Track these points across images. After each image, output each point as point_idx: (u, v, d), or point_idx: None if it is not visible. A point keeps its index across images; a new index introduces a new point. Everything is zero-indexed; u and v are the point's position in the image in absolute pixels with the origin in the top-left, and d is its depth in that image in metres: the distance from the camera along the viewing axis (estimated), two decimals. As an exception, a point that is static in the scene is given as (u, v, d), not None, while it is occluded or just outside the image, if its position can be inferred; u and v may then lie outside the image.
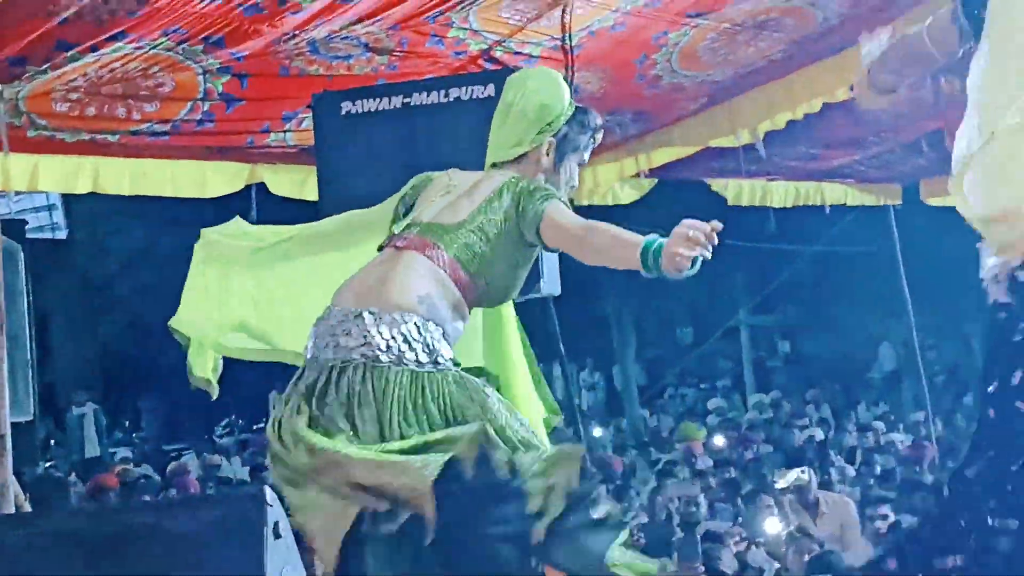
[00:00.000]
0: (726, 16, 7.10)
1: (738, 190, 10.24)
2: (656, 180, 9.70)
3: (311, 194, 7.06)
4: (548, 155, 3.67)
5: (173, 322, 4.47)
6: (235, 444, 17.68)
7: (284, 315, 4.28)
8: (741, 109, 8.56)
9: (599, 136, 3.81)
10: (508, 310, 4.28)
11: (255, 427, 19.79)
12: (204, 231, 4.48)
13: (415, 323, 3.34)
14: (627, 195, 9.72)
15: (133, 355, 21.16)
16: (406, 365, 3.29)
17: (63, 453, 16.83)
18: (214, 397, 4.43)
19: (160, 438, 18.92)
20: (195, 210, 8.33)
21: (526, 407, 4.03)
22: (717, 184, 10.19)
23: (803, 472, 8.68)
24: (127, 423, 20.58)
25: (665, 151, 9.01)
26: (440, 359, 3.36)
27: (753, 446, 12.47)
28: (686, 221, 3.03)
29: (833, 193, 11.17)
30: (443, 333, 3.40)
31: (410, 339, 3.33)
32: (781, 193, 10.59)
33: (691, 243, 2.99)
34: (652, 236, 3.14)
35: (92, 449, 15.99)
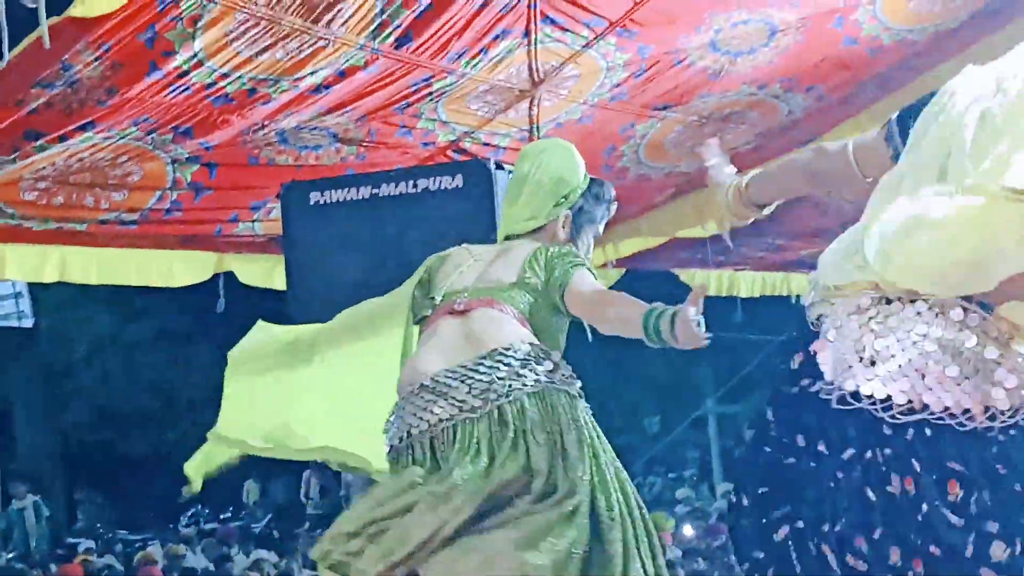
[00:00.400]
0: (692, 108, 7.18)
1: (705, 279, 10.28)
2: (624, 270, 9.74)
3: (279, 283, 7.04)
4: (564, 228, 3.65)
5: (216, 432, 4.25)
6: (199, 535, 17.46)
7: (317, 410, 4.09)
8: (708, 200, 8.62)
9: (613, 208, 3.80)
10: None
11: (221, 517, 19.59)
12: (231, 353, 4.35)
13: (531, 346, 3.34)
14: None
15: (98, 444, 20.98)
16: (537, 387, 3.27)
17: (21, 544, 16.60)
18: (194, 493, 4.30)
19: (124, 528, 18.67)
20: (162, 299, 8.30)
21: None
22: (685, 274, 10.24)
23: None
24: (91, 513, 20.32)
25: (633, 241, 9.06)
26: (565, 372, 3.36)
27: (721, 536, 12.39)
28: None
29: (799, 283, 11.21)
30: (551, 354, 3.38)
31: (532, 363, 3.30)
32: (748, 283, 10.64)
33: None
34: (655, 305, 3.12)
35: (37, 542, 15.75)
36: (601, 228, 3.78)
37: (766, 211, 3.34)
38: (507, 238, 3.73)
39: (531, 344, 3.34)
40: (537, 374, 3.27)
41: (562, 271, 3.39)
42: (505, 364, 3.27)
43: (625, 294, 3.31)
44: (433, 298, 3.56)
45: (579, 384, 3.38)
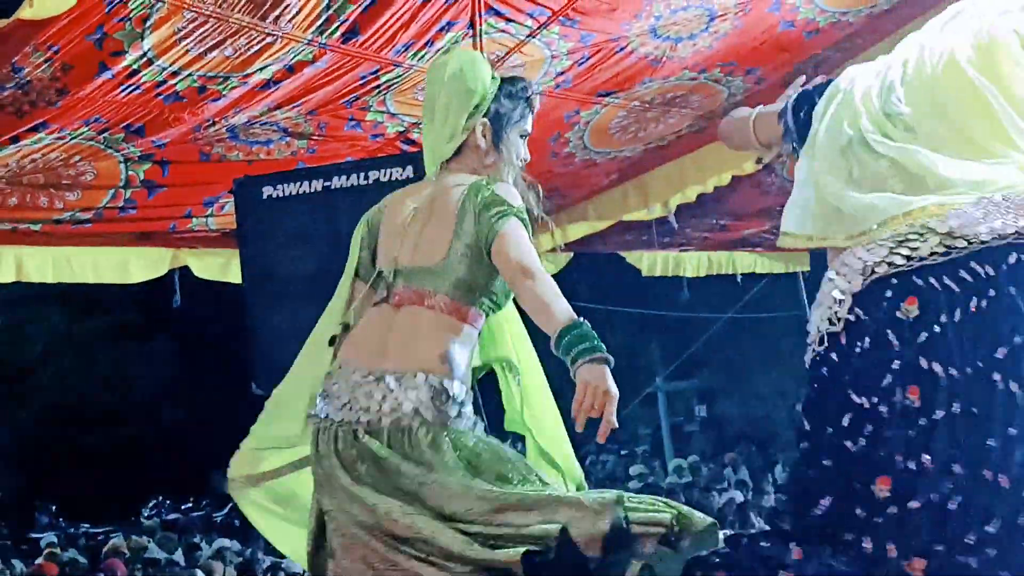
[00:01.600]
0: (635, 94, 7.22)
1: (652, 261, 10.35)
2: (572, 254, 9.77)
3: (235, 277, 7.05)
4: (485, 137, 3.41)
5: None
6: (159, 526, 17.40)
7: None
8: (653, 184, 8.67)
9: (536, 101, 3.54)
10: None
11: (183, 507, 19.53)
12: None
13: (441, 382, 3.20)
14: (545, 269, 9.75)
15: (57, 439, 20.84)
16: (434, 424, 3.17)
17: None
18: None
19: (86, 521, 18.58)
20: (119, 295, 8.27)
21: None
22: (632, 256, 10.29)
23: (726, 534, 8.68)
24: (52, 508, 20.20)
25: (580, 226, 9.09)
26: (464, 414, 3.24)
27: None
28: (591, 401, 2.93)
29: (744, 262, 11.32)
30: (464, 389, 3.25)
31: (437, 399, 3.19)
32: (694, 263, 10.71)
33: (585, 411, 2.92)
34: (572, 325, 2.98)
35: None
36: (528, 126, 3.50)
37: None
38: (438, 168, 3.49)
39: (431, 375, 3.21)
40: (421, 406, 3.19)
41: (488, 225, 3.20)
42: (414, 390, 3.19)
43: (545, 278, 3.14)
44: (380, 270, 3.43)
45: (469, 420, 3.26)
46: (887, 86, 3.03)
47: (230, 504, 16.75)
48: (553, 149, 7.70)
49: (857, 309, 2.96)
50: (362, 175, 5.54)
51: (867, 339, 2.93)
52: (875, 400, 2.85)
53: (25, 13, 4.68)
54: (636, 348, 20.40)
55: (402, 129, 6.96)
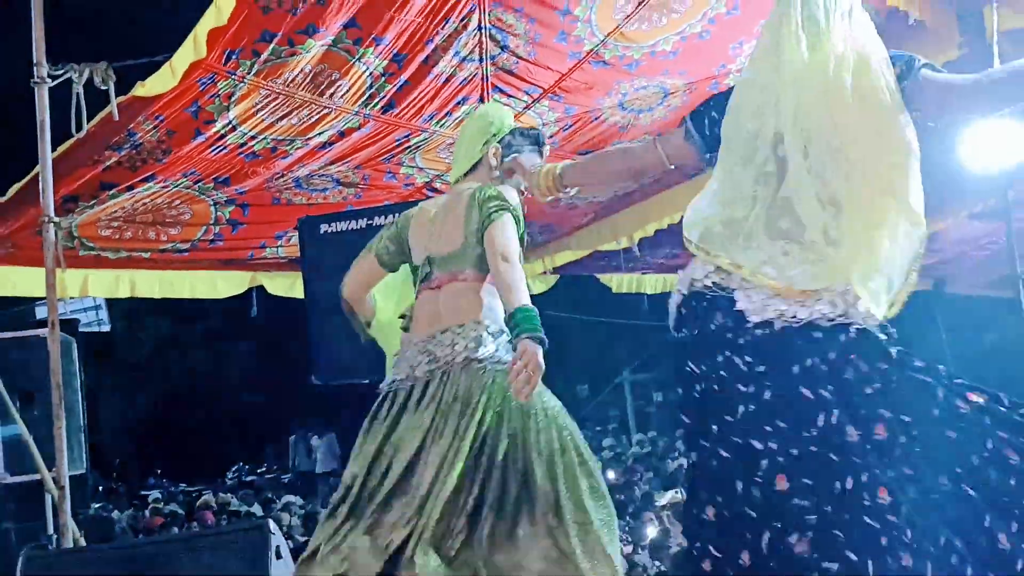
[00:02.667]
0: (607, 153, 7.21)
1: (620, 281, 10.31)
2: (559, 276, 9.76)
3: (298, 293, 7.03)
4: (495, 157, 3.40)
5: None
6: (239, 485, 17.37)
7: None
8: (621, 222, 8.66)
9: (545, 150, 3.51)
10: None
11: (258, 471, 19.48)
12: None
13: (487, 325, 3.17)
14: (537, 288, 9.73)
15: (161, 420, 20.84)
16: (483, 361, 3.11)
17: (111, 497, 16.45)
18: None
19: (183, 482, 18.56)
20: (209, 308, 8.26)
21: None
22: (604, 277, 10.26)
23: (677, 492, 8.66)
24: (158, 472, 20.17)
25: (564, 254, 9.08)
26: (504, 357, 3.14)
27: (637, 474, 12.44)
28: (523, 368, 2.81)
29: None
30: (500, 326, 3.17)
31: (486, 337, 3.15)
32: (652, 283, 10.66)
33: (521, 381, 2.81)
34: (527, 308, 2.92)
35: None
36: (537, 160, 3.43)
37: (571, 191, 3.19)
38: (456, 183, 3.49)
39: (477, 323, 3.18)
40: (474, 351, 3.12)
41: (486, 214, 3.17)
42: (459, 336, 3.16)
43: (520, 276, 3.05)
44: (415, 264, 3.40)
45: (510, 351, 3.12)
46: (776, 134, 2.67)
47: (299, 468, 16.75)
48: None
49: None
50: (396, 215, 5.51)
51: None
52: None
53: (138, 91, 4.69)
54: (607, 349, 20.40)
55: (428, 180, 6.95)
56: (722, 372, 2.56)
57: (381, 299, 3.65)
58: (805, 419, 2.47)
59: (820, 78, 2.58)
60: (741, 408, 2.51)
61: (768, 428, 2.48)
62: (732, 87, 2.81)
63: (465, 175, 3.45)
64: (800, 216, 2.56)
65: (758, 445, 2.47)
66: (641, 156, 2.97)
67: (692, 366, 2.65)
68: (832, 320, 2.49)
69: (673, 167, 2.91)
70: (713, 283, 2.63)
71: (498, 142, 3.42)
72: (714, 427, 2.55)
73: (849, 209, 2.54)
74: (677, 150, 2.89)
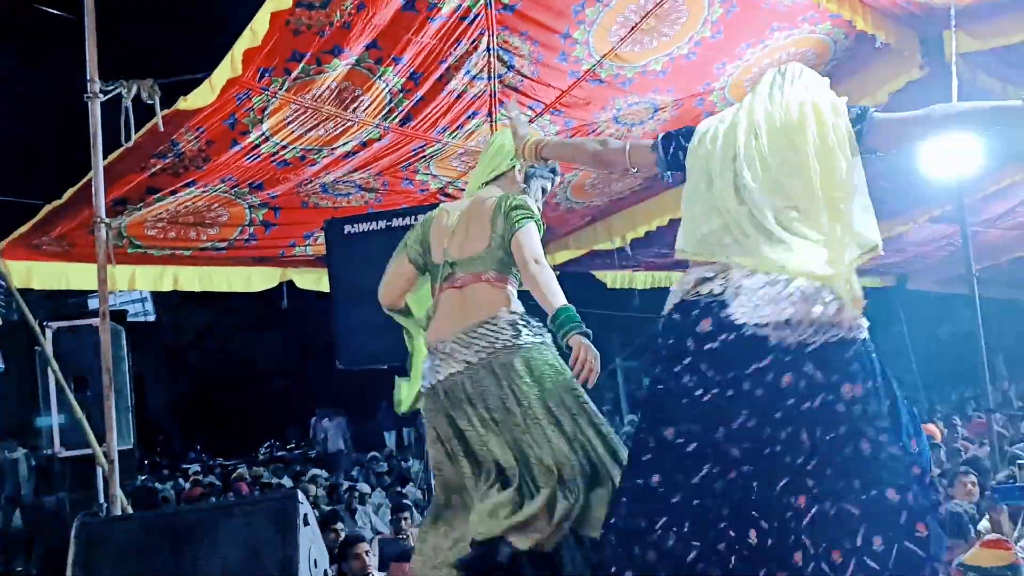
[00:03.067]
0: (602, 162, 7.20)
1: (614, 278, 10.30)
2: (558, 272, 9.71)
3: (325, 287, 7.03)
4: (520, 173, 3.41)
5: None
6: (271, 460, 17.40)
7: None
8: (615, 224, 8.67)
9: (557, 180, 3.57)
10: None
11: (288, 447, 19.50)
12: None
13: (516, 315, 3.18)
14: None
15: (202, 402, 20.86)
16: (524, 345, 3.12)
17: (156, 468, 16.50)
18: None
19: (220, 456, 18.60)
20: (244, 301, 8.27)
21: None
22: (599, 274, 10.26)
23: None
24: (198, 447, 20.19)
25: (564, 252, 9.08)
26: (543, 334, 3.17)
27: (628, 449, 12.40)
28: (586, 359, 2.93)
29: (678, 278, 11.24)
30: (522, 312, 3.21)
31: (516, 324, 3.15)
32: (643, 279, 10.65)
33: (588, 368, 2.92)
34: (567, 311, 2.98)
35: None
36: (548, 185, 3.52)
37: (550, 163, 3.34)
38: (479, 188, 3.46)
39: (510, 313, 3.19)
40: (511, 337, 3.13)
41: (513, 221, 3.16)
42: (491, 330, 3.15)
43: (548, 270, 3.09)
44: (435, 263, 3.33)
45: (543, 336, 3.18)
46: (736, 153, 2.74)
47: (319, 446, 16.77)
48: (545, 200, 7.68)
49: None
50: (413, 217, 5.52)
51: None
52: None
53: (181, 105, 4.70)
54: (602, 338, 20.18)
55: (441, 186, 6.96)
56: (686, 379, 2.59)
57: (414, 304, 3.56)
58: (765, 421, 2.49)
59: (779, 115, 2.69)
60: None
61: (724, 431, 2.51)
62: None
63: (486, 183, 3.44)
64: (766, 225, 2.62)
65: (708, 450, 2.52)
66: (610, 152, 3.08)
67: (669, 370, 2.66)
68: (821, 327, 2.48)
69: (635, 170, 3.05)
70: (708, 291, 2.65)
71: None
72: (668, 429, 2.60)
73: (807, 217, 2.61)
74: (642, 157, 3.01)
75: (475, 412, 3.12)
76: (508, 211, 3.19)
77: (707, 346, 2.57)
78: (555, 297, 3.01)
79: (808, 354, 2.48)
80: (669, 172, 2.99)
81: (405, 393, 3.53)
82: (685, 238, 2.78)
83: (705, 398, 2.54)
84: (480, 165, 3.51)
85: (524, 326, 3.17)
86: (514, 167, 3.40)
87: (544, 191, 3.50)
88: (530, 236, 3.14)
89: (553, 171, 3.52)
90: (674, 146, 2.92)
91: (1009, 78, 6.55)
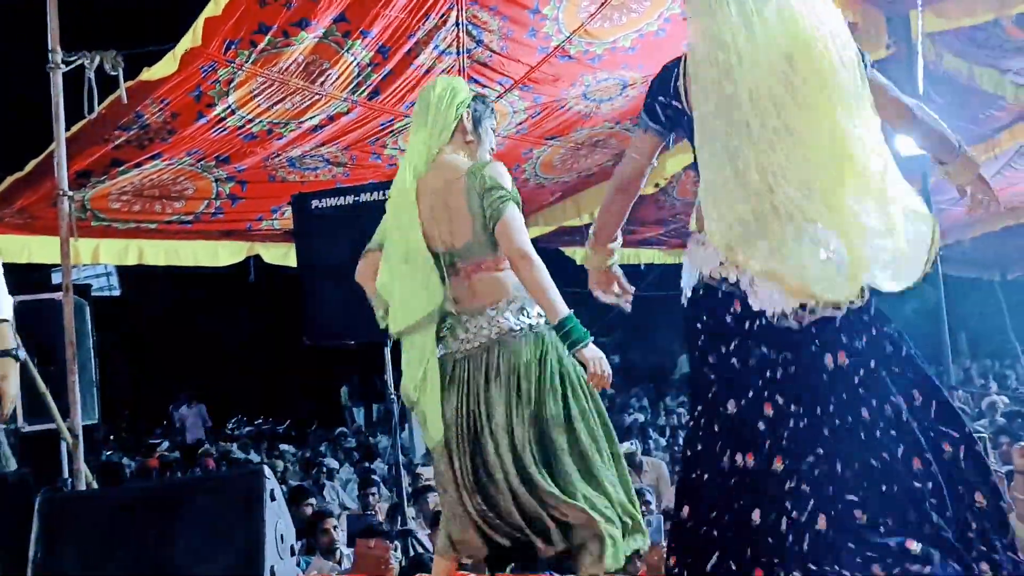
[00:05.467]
0: (571, 138, 7.22)
1: (583, 254, 10.34)
2: (528, 249, 9.75)
3: (292, 262, 7.00)
4: (468, 120, 3.25)
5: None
6: (239, 435, 17.33)
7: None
8: (584, 200, 8.68)
9: (496, 117, 3.45)
10: None
11: (255, 422, 19.43)
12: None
13: (520, 302, 3.19)
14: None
15: (168, 376, 20.72)
16: (529, 331, 3.17)
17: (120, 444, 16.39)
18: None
19: (187, 433, 18.49)
20: (209, 275, 8.22)
21: None
22: (569, 251, 10.29)
23: (632, 444, 8.72)
24: (164, 422, 20.08)
25: (533, 230, 9.06)
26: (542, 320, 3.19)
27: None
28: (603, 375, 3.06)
29: (647, 255, 11.31)
30: (525, 298, 3.20)
31: (520, 312, 3.18)
32: (612, 256, 10.70)
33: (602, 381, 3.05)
34: (569, 318, 3.02)
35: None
36: (493, 123, 3.36)
37: (614, 244, 3.09)
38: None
39: (509, 301, 3.20)
40: (513, 322, 3.17)
41: (494, 208, 3.09)
42: (499, 313, 3.17)
43: (543, 274, 3.05)
44: (436, 250, 3.21)
45: (538, 321, 3.20)
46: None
47: (287, 421, 16.74)
48: (514, 175, 7.66)
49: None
50: (381, 192, 5.50)
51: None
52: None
53: (144, 76, 4.66)
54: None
55: (410, 161, 6.93)
56: (734, 360, 2.54)
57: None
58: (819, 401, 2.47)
59: (803, 50, 2.39)
60: (752, 393, 2.50)
61: (773, 412, 2.48)
62: (664, 70, 2.69)
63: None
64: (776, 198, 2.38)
65: (761, 426, 2.47)
66: (622, 171, 2.86)
67: (707, 353, 2.61)
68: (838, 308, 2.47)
69: (655, 162, 2.82)
70: (723, 277, 2.57)
71: (467, 108, 3.28)
72: (725, 407, 2.54)
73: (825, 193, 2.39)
74: (644, 145, 2.77)
75: (494, 392, 3.16)
76: (483, 193, 3.12)
77: (746, 325, 2.53)
78: (553, 305, 3.03)
79: (835, 328, 2.48)
80: (672, 134, 2.79)
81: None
82: None
83: (757, 370, 2.52)
84: (426, 125, 3.27)
85: (525, 312, 3.20)
86: (462, 116, 3.26)
87: (492, 129, 3.38)
88: (512, 225, 3.09)
89: (483, 101, 3.36)
90: (659, 107, 2.68)
91: (974, 58, 6.61)
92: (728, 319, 2.56)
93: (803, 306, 2.46)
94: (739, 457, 2.48)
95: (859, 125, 2.38)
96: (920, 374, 2.53)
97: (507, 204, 3.10)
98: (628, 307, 3.13)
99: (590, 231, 3.04)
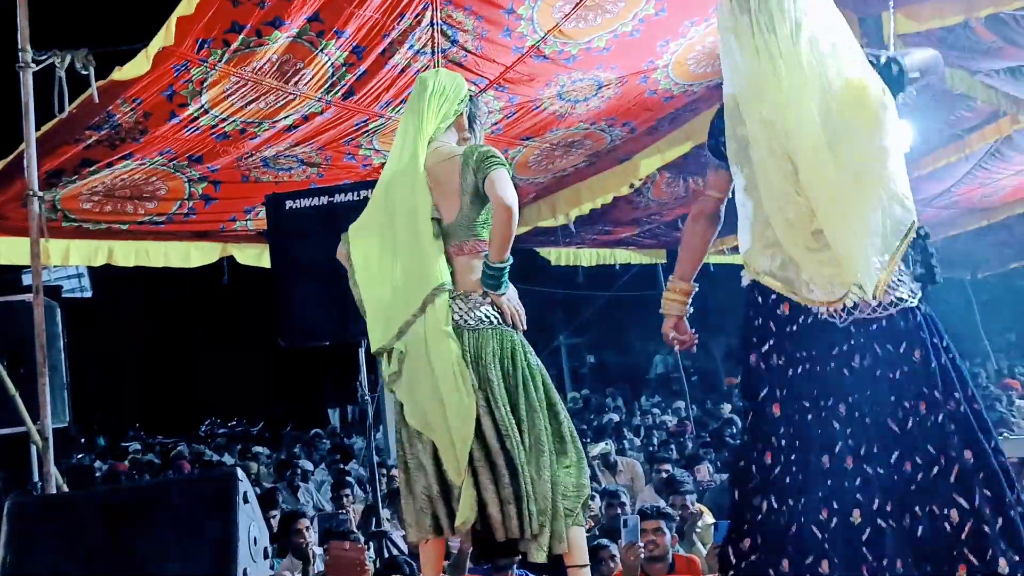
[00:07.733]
0: (546, 139, 7.22)
1: (558, 254, 10.35)
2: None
3: (266, 263, 6.97)
4: (464, 117, 3.48)
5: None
6: (211, 437, 17.24)
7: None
8: (559, 201, 8.69)
9: (487, 117, 3.70)
10: None
11: (229, 424, 19.33)
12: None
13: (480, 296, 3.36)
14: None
15: (139, 377, 20.58)
16: (495, 327, 3.36)
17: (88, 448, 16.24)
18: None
19: (160, 434, 18.38)
20: (182, 276, 8.16)
21: None
22: (544, 251, 10.30)
23: (606, 444, 8.76)
24: (137, 424, 19.94)
25: (508, 230, 9.09)
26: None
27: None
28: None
29: (621, 256, 11.35)
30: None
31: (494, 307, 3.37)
32: (587, 256, 10.72)
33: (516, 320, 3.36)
34: (504, 262, 3.27)
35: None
36: (483, 123, 3.64)
37: (695, 288, 3.21)
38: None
39: (482, 294, 3.35)
40: (475, 317, 3.33)
41: (484, 169, 3.25)
42: (471, 303, 3.33)
43: (513, 229, 3.24)
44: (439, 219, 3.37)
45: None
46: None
47: (261, 423, 16.67)
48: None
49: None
50: (355, 193, 5.48)
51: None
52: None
53: (116, 75, 4.61)
54: (546, 315, 20.40)
55: (383, 161, 6.90)
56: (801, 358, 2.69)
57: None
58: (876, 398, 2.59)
59: (811, 72, 2.67)
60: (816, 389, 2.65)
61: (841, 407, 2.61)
62: (721, 107, 2.85)
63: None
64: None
65: (835, 425, 2.61)
66: (703, 208, 3.04)
67: (762, 351, 2.75)
68: (881, 304, 2.62)
69: (730, 194, 2.96)
70: (775, 277, 2.73)
71: (466, 105, 3.50)
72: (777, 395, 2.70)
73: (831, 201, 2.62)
74: (719, 180, 2.98)
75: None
76: (480, 162, 3.27)
77: (788, 328, 2.69)
78: (503, 248, 3.25)
79: (878, 331, 2.62)
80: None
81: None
82: None
83: (798, 374, 2.67)
84: (425, 111, 3.43)
85: (494, 307, 3.37)
86: (462, 112, 3.47)
87: (482, 128, 3.59)
88: (502, 180, 3.24)
89: (475, 102, 3.58)
90: (720, 144, 2.88)
91: (945, 59, 6.66)
92: (771, 324, 2.74)
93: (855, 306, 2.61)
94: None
95: (891, 146, 2.65)
96: (933, 383, 2.60)
97: (500, 166, 3.28)
98: (694, 349, 3.33)
99: (672, 276, 3.19)
